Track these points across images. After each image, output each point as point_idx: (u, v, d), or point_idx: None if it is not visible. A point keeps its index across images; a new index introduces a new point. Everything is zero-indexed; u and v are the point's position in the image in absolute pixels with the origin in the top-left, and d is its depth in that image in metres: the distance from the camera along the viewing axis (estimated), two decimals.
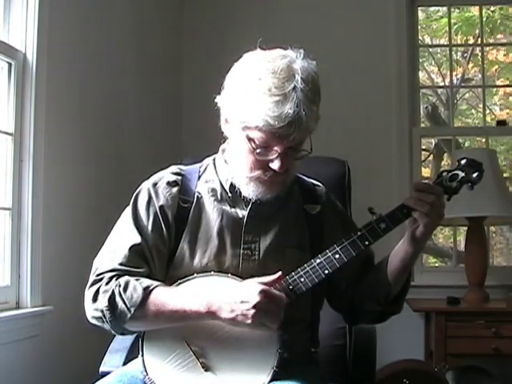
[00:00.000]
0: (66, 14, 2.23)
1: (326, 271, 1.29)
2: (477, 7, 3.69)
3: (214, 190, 1.41)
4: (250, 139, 1.29)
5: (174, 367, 1.29)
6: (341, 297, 1.48)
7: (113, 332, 1.33)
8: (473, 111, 5.13)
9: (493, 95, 4.89)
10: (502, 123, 3.41)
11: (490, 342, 2.63)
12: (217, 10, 3.38)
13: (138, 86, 2.86)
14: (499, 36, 4.31)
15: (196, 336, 1.29)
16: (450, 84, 3.85)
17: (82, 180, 2.34)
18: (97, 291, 1.30)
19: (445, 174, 1.34)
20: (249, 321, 1.21)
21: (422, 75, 4.16)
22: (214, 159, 1.48)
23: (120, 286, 1.28)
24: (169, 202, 1.39)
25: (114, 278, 1.30)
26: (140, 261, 1.34)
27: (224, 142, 1.44)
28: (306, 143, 1.33)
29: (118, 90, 2.68)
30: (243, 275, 1.31)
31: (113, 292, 1.28)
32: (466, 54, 4.80)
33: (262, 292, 1.22)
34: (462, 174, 1.32)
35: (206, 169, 1.47)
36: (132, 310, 1.26)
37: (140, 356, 1.32)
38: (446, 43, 4.42)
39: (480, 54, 3.73)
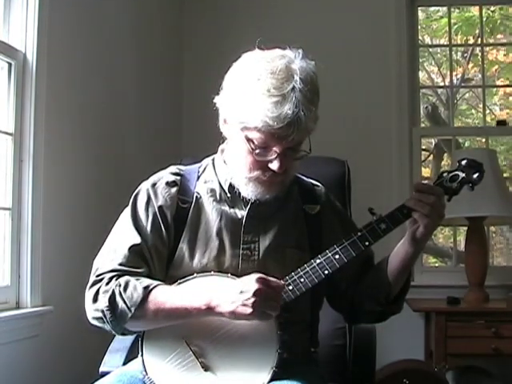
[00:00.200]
0: (65, 14, 2.23)
1: (326, 272, 1.29)
2: (477, 7, 3.69)
3: (213, 191, 1.41)
4: (248, 140, 1.29)
5: (173, 367, 1.29)
6: (341, 297, 1.48)
7: (113, 332, 1.33)
8: (473, 111, 5.13)
9: (493, 95, 4.89)
10: (502, 123, 3.41)
11: (490, 342, 2.63)
12: (217, 10, 3.38)
13: (138, 85, 2.86)
14: (499, 36, 4.31)
15: (196, 336, 1.29)
16: (450, 84, 3.85)
17: (81, 180, 2.34)
18: (97, 292, 1.30)
19: (445, 174, 1.34)
20: (250, 310, 1.21)
21: (422, 75, 4.16)
22: (213, 159, 1.48)
23: (120, 285, 1.28)
24: (168, 203, 1.39)
25: (114, 278, 1.30)
26: (140, 261, 1.34)
27: (223, 143, 1.44)
28: (305, 143, 1.33)
29: (118, 90, 2.68)
30: (243, 275, 1.30)
31: (113, 292, 1.28)
32: (466, 54, 4.81)
33: (259, 279, 1.22)
34: (462, 175, 1.32)
35: (205, 169, 1.46)
36: (132, 309, 1.26)
37: (140, 356, 1.32)
38: (446, 43, 4.42)
39: (480, 54, 3.73)
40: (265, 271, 1.29)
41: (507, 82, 4.82)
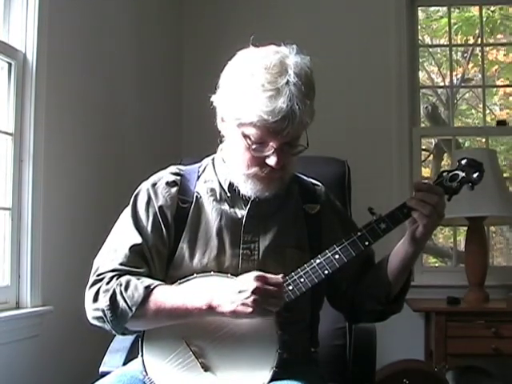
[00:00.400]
0: (65, 14, 2.23)
1: (326, 271, 1.29)
2: (477, 7, 3.69)
3: (212, 190, 1.41)
4: (245, 136, 1.29)
5: (173, 367, 1.29)
6: (341, 297, 1.48)
7: (113, 332, 1.33)
8: (473, 111, 5.13)
9: (493, 95, 4.89)
10: (502, 123, 3.41)
11: (490, 342, 2.63)
12: (217, 11, 3.38)
13: (138, 85, 2.86)
14: (499, 36, 4.31)
15: (196, 336, 1.29)
16: (450, 84, 3.85)
17: (81, 180, 2.34)
18: (97, 291, 1.30)
19: (445, 174, 1.34)
20: (250, 309, 1.21)
21: (422, 75, 4.16)
22: (212, 159, 1.48)
23: (121, 285, 1.28)
24: (168, 203, 1.39)
25: (115, 278, 1.30)
26: (140, 261, 1.34)
27: (222, 142, 1.44)
28: (302, 139, 1.32)
29: (118, 90, 2.68)
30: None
31: (114, 291, 1.28)
32: (466, 54, 4.81)
33: (257, 277, 1.22)
34: (462, 174, 1.32)
35: (205, 169, 1.47)
36: (133, 308, 1.26)
37: (140, 356, 1.32)
38: (446, 43, 4.42)
39: (480, 54, 3.73)
40: (265, 271, 1.29)
41: (507, 82, 4.82)
